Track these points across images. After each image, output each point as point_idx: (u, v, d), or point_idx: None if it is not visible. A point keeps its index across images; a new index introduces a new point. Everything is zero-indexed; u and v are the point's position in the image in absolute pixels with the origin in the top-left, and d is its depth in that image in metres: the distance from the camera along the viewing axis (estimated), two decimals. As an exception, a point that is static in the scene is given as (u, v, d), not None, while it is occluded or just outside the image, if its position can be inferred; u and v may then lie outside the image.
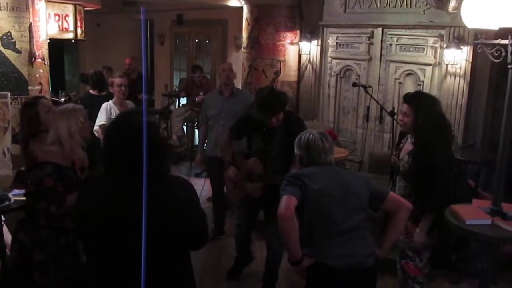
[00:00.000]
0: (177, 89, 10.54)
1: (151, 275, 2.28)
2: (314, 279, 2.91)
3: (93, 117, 5.36)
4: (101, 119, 5.29)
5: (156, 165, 2.28)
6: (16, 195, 4.17)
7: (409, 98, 3.64)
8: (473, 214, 3.37)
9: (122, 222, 2.25)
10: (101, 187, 2.37)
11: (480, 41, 3.38)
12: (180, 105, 9.93)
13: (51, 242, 3.27)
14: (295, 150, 3.09)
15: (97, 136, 5.34)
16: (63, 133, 3.32)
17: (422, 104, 3.57)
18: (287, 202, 2.78)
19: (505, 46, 3.15)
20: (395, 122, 5.39)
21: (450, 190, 3.69)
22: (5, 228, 4.37)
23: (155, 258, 2.25)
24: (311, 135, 3.02)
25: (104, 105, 5.36)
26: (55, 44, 6.66)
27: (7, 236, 4.54)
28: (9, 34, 5.06)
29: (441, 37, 5.70)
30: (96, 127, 5.29)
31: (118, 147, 2.30)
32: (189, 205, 2.37)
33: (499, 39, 3.22)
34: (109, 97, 5.53)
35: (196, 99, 8.88)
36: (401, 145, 3.77)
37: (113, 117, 5.28)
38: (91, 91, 6.70)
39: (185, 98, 9.68)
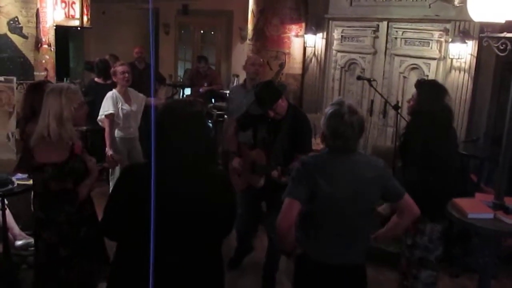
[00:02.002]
0: (181, 80, 10.56)
1: (181, 263, 2.33)
2: (303, 272, 2.87)
3: (97, 105, 5.38)
4: (108, 108, 5.27)
5: (197, 156, 2.31)
6: (20, 179, 4.19)
7: (417, 83, 3.82)
8: (476, 208, 3.37)
9: (163, 212, 2.23)
10: (139, 176, 2.31)
11: (486, 34, 3.38)
12: (184, 95, 9.94)
13: (74, 236, 3.25)
14: (322, 123, 2.75)
15: (100, 125, 5.36)
16: (51, 119, 3.07)
17: (425, 90, 3.70)
18: (288, 210, 2.64)
19: (510, 39, 3.15)
20: (399, 116, 5.39)
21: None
22: (8, 212, 4.41)
23: (183, 246, 2.32)
24: (344, 115, 2.63)
25: (109, 94, 5.34)
26: (60, 31, 6.67)
27: (10, 220, 4.58)
28: (16, 19, 5.07)
29: (446, 31, 5.69)
30: (101, 116, 5.29)
31: (170, 139, 2.27)
32: (222, 199, 2.39)
33: (505, 33, 3.22)
34: (114, 85, 5.53)
35: (200, 90, 8.89)
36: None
37: (120, 105, 5.29)
38: (96, 79, 6.72)
39: (189, 89, 9.69)
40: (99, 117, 5.34)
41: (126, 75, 5.35)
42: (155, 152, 2.30)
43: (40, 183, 3.15)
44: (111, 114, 5.25)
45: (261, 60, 5.80)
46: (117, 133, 5.39)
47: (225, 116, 6.99)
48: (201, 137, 2.33)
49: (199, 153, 2.30)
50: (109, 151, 5.18)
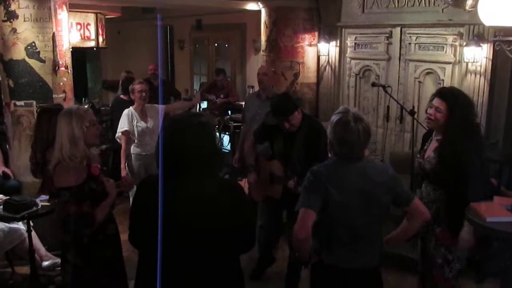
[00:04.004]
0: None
1: (199, 277, 2.36)
2: (318, 278, 2.90)
3: (116, 122, 5.50)
4: (124, 125, 5.36)
5: (209, 167, 2.36)
6: (44, 200, 4.28)
7: (445, 94, 3.46)
8: (494, 211, 3.34)
9: (176, 222, 2.30)
10: (154, 188, 2.40)
11: (498, 38, 3.36)
12: (201, 109, 10.01)
13: (100, 256, 3.28)
14: (328, 131, 2.79)
15: (119, 142, 5.45)
16: (64, 139, 3.11)
17: (459, 102, 3.38)
18: (304, 220, 2.65)
19: (523, 43, 3.13)
20: (415, 121, 5.37)
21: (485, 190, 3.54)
22: (33, 233, 4.49)
23: (200, 260, 2.34)
24: (349, 123, 2.68)
25: (126, 112, 5.43)
26: (77, 52, 6.79)
27: (36, 241, 4.67)
28: (33, 44, 5.18)
29: (460, 35, 5.66)
30: (118, 134, 5.39)
31: (176, 147, 2.32)
32: (237, 209, 2.41)
33: (517, 37, 3.21)
34: None
35: (217, 100, 8.98)
36: (425, 147, 3.67)
37: (135, 123, 5.36)
38: (121, 96, 6.83)
39: (205, 103, 9.76)
40: (116, 135, 5.46)
41: (143, 94, 5.44)
42: (163, 163, 2.37)
43: (59, 207, 3.20)
44: (126, 131, 5.34)
45: (265, 68, 5.88)
46: (133, 149, 5.46)
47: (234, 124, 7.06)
48: (205, 147, 2.36)
49: (204, 163, 2.34)
50: (123, 171, 5.30)
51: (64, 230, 3.23)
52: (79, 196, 3.08)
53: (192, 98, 9.24)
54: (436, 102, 3.45)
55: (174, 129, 2.38)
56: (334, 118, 2.77)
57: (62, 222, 3.22)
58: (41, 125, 4.20)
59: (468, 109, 3.43)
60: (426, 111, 3.62)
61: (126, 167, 5.39)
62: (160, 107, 5.70)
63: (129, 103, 5.77)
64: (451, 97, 3.43)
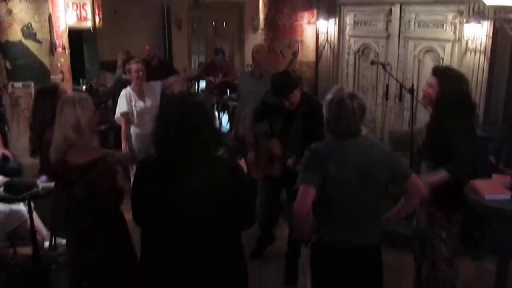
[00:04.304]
0: (196, 73, 10.61)
1: (204, 256, 2.40)
2: (319, 256, 2.92)
3: None
4: (123, 106, 5.30)
5: (207, 147, 2.37)
6: (44, 182, 4.29)
7: (437, 71, 3.58)
8: (493, 189, 3.35)
9: (176, 202, 2.34)
10: (153, 169, 2.42)
11: (499, 16, 3.33)
12: (200, 89, 9.99)
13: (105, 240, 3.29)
14: (324, 110, 2.81)
15: (118, 123, 5.44)
16: (68, 129, 3.09)
17: (448, 78, 3.48)
18: (304, 196, 2.67)
19: (524, 21, 3.11)
20: (414, 99, 5.37)
21: (471, 166, 3.55)
22: (34, 214, 4.51)
23: (203, 237, 2.38)
24: (344, 99, 2.71)
25: (123, 92, 5.34)
26: (74, 34, 6.74)
27: (37, 222, 4.69)
28: (29, 25, 5.15)
29: (460, 12, 5.63)
30: (117, 115, 5.35)
31: (168, 130, 2.35)
32: (237, 188, 2.43)
33: (519, 14, 3.19)
34: None
35: (213, 80, 8.96)
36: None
37: (133, 103, 5.33)
38: (124, 76, 6.78)
39: (204, 82, 9.73)
40: (115, 116, 5.40)
41: (140, 73, 5.36)
42: (159, 144, 2.39)
43: (86, 184, 3.12)
44: (125, 112, 5.29)
45: (259, 46, 5.85)
46: (133, 129, 5.42)
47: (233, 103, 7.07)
48: (202, 127, 2.36)
49: (201, 143, 2.34)
50: (124, 149, 5.26)
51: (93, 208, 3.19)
52: (108, 167, 3.14)
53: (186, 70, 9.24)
54: (430, 78, 3.55)
55: (171, 111, 2.39)
56: (329, 96, 2.80)
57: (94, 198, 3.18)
58: (38, 105, 4.21)
59: (458, 85, 3.47)
60: (417, 94, 3.68)
61: (127, 148, 5.36)
62: (157, 85, 5.64)
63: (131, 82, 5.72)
64: (443, 73, 3.53)
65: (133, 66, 5.40)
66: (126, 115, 5.29)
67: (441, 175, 3.39)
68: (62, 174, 3.14)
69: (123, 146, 5.31)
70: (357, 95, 2.78)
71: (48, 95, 4.19)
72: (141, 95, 5.39)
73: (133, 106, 5.31)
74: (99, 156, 3.16)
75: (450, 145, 3.34)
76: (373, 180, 2.75)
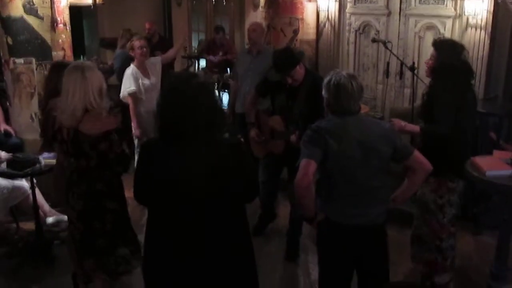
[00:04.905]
0: (196, 51, 10.55)
1: (210, 229, 2.44)
2: (325, 234, 2.95)
3: None
4: (130, 85, 5.24)
5: (210, 128, 2.39)
6: (46, 158, 4.31)
7: (435, 42, 3.81)
8: (494, 165, 3.39)
9: (180, 186, 2.38)
10: (158, 150, 2.45)
11: (500, -9, 3.35)
12: (200, 68, 9.96)
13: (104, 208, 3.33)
14: (323, 92, 2.89)
15: (124, 102, 5.40)
16: (95, 91, 3.12)
17: (444, 48, 3.67)
18: (305, 169, 2.71)
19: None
20: (415, 77, 5.37)
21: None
22: (37, 190, 4.54)
23: (211, 214, 2.42)
24: (342, 78, 2.80)
25: (128, 71, 5.29)
26: (74, 10, 6.69)
27: (40, 198, 4.73)
28: (31, 1, 5.12)
29: (461, -12, 5.61)
30: (124, 93, 5.30)
31: (174, 112, 2.36)
32: (241, 166, 2.47)
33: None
34: None
35: (211, 57, 8.93)
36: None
37: (140, 81, 5.28)
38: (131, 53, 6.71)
39: (204, 61, 9.70)
40: (121, 95, 5.34)
41: (144, 49, 5.33)
42: (164, 125, 2.40)
43: (99, 153, 3.17)
44: (133, 91, 5.24)
45: (255, 25, 5.84)
46: (141, 107, 5.41)
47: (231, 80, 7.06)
48: (206, 108, 2.38)
49: (205, 123, 2.36)
50: (137, 130, 5.25)
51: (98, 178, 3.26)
52: (123, 136, 3.22)
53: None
54: (431, 51, 3.78)
55: (174, 92, 2.41)
56: (327, 79, 2.87)
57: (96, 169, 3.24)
58: (52, 77, 4.19)
59: (451, 52, 3.63)
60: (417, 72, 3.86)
61: (138, 128, 5.31)
62: (157, 60, 5.64)
63: None
64: (440, 44, 3.77)
65: (136, 43, 5.36)
66: (134, 94, 5.26)
67: (415, 127, 3.61)
68: (74, 143, 3.16)
69: (134, 124, 5.29)
70: (354, 74, 2.88)
71: (62, 69, 4.18)
72: (145, 72, 5.36)
73: (140, 84, 5.28)
74: (112, 128, 3.19)
75: (433, 105, 3.51)
76: (374, 153, 2.77)
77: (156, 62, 5.59)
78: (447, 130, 3.43)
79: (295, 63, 4.06)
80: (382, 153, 2.80)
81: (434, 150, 3.37)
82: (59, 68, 4.18)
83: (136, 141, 5.31)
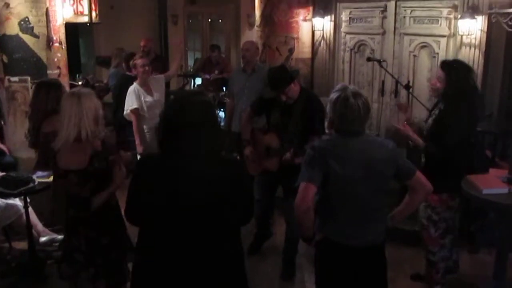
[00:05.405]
0: (192, 69, 10.59)
1: (202, 250, 2.40)
2: (323, 254, 2.92)
3: None
4: (132, 103, 5.33)
5: (210, 145, 2.37)
6: (40, 176, 4.28)
7: (445, 65, 3.74)
8: (490, 183, 3.39)
9: (177, 199, 2.34)
10: (156, 166, 2.42)
11: (494, 10, 3.37)
12: (195, 86, 9.97)
13: (111, 223, 3.30)
14: (328, 108, 2.83)
15: (127, 119, 5.45)
16: (89, 119, 3.08)
17: (455, 72, 3.64)
18: (305, 192, 2.68)
19: (519, 15, 3.14)
20: (410, 95, 5.38)
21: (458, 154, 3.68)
22: (30, 209, 4.50)
23: (203, 234, 2.38)
24: (348, 96, 2.72)
25: (131, 89, 5.39)
26: (70, 28, 6.71)
27: (33, 217, 4.68)
28: (27, 19, 5.13)
29: (455, 7, 5.64)
30: (127, 111, 5.37)
31: (175, 126, 2.35)
32: (238, 185, 2.44)
33: (513, 8, 3.22)
34: None
35: (207, 76, 8.95)
36: (432, 112, 3.87)
37: (142, 98, 5.35)
38: (127, 72, 6.76)
39: (199, 79, 9.72)
40: (125, 112, 5.41)
41: (146, 67, 5.44)
42: (165, 142, 2.39)
43: (66, 189, 3.14)
44: (135, 108, 5.32)
45: (250, 43, 5.88)
46: (145, 124, 5.47)
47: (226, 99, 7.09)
48: (210, 126, 2.39)
49: (209, 142, 2.36)
50: (139, 147, 5.32)
51: (71, 205, 3.22)
52: (85, 178, 3.07)
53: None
54: (438, 72, 3.75)
55: (177, 109, 2.39)
56: (333, 95, 2.80)
57: (67, 200, 3.22)
58: (39, 97, 4.23)
59: (462, 77, 3.62)
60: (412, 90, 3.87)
61: (141, 145, 5.37)
62: (161, 77, 5.79)
63: (136, 78, 5.77)
64: (449, 66, 3.70)
65: (139, 61, 5.48)
66: (137, 111, 5.34)
67: (419, 141, 3.70)
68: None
69: (137, 141, 5.35)
70: (361, 93, 2.79)
71: (53, 88, 4.26)
72: (148, 89, 5.47)
73: (143, 102, 5.37)
74: (83, 166, 3.10)
75: (444, 129, 3.57)
76: (376, 176, 2.75)
77: (159, 78, 5.74)
78: (452, 155, 3.52)
79: (289, 81, 4.08)
80: (384, 175, 2.78)
81: (437, 167, 3.40)
82: (48, 87, 4.24)
83: (139, 158, 5.32)
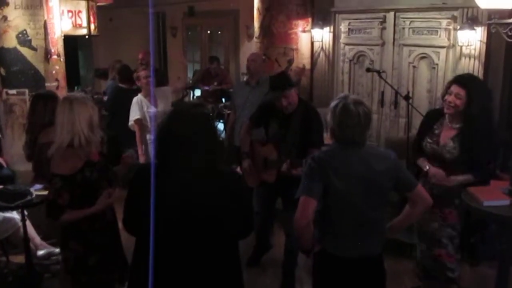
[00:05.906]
0: (191, 81, 10.60)
1: (199, 263, 2.37)
2: (321, 266, 2.89)
3: (120, 110, 5.69)
4: (135, 113, 5.41)
5: (209, 158, 2.35)
6: (38, 189, 4.25)
7: (465, 81, 3.55)
8: (491, 195, 3.35)
9: (175, 212, 2.32)
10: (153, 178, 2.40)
11: (494, 21, 3.36)
12: (194, 97, 9.98)
13: (100, 242, 3.24)
14: (328, 118, 2.76)
15: (132, 130, 5.51)
16: (83, 125, 3.05)
17: (478, 91, 3.50)
18: (304, 207, 2.65)
19: (519, 25, 3.13)
20: (410, 106, 5.37)
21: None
22: (28, 223, 4.47)
23: (200, 247, 2.35)
24: (348, 104, 2.67)
25: (135, 100, 5.47)
26: (69, 40, 6.73)
27: (31, 230, 4.65)
28: (24, 32, 5.14)
29: (454, 18, 5.64)
30: (131, 122, 5.44)
31: (173, 137, 2.33)
32: (237, 198, 2.42)
33: (513, 19, 3.21)
34: (139, 90, 5.65)
35: (206, 88, 8.96)
36: (436, 131, 3.70)
37: (145, 109, 5.42)
38: (120, 84, 6.80)
39: (199, 91, 9.73)
40: (129, 123, 5.49)
41: (149, 79, 5.48)
42: (163, 153, 2.36)
43: (53, 193, 3.09)
44: (138, 119, 5.39)
45: (255, 55, 5.93)
46: (148, 135, 5.51)
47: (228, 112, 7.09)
48: (208, 138, 2.38)
49: (207, 154, 2.35)
50: (142, 157, 5.41)
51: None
52: (70, 185, 3.03)
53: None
54: (455, 88, 3.52)
55: (175, 120, 2.38)
56: (334, 103, 2.75)
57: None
58: (37, 110, 4.24)
59: (485, 95, 3.56)
60: (442, 98, 3.66)
61: (144, 154, 5.47)
62: (168, 89, 5.97)
63: (130, 91, 5.80)
64: (470, 83, 3.53)
65: (142, 73, 5.58)
66: (140, 122, 5.40)
67: (467, 177, 3.53)
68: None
69: (139, 151, 5.44)
70: (363, 102, 2.74)
71: (50, 100, 4.25)
72: (152, 100, 5.51)
73: (146, 112, 5.42)
74: (72, 172, 3.07)
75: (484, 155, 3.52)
76: (376, 189, 2.71)
77: (166, 90, 5.89)
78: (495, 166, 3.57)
79: (291, 84, 4.14)
80: (384, 188, 2.75)
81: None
82: (45, 99, 4.24)
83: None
